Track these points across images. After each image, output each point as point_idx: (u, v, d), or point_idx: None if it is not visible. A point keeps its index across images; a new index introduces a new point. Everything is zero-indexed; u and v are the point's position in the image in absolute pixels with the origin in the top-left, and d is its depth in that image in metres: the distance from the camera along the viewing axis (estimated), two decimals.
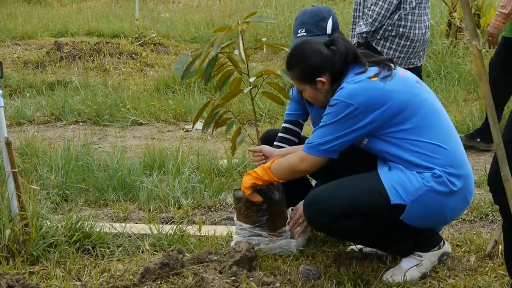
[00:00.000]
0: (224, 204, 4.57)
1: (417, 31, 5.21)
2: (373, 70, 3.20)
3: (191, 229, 3.95)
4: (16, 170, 3.52)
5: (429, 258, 3.28)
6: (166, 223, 4.21)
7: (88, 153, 5.43)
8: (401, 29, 5.19)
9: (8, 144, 3.46)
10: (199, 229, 3.93)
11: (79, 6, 16.27)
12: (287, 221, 3.62)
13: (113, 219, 4.30)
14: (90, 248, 3.69)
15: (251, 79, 3.52)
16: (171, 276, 3.20)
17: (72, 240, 3.68)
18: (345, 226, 3.22)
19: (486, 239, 3.75)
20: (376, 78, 3.16)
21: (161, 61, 10.01)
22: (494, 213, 4.17)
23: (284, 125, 3.96)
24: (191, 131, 6.72)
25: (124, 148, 5.96)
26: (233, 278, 3.09)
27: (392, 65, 3.26)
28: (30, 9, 14.95)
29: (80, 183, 4.82)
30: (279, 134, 3.93)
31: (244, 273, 3.12)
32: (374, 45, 5.25)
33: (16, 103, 7.60)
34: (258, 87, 3.71)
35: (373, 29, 5.20)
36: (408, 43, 5.22)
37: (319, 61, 3.30)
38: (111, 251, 3.71)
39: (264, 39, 3.76)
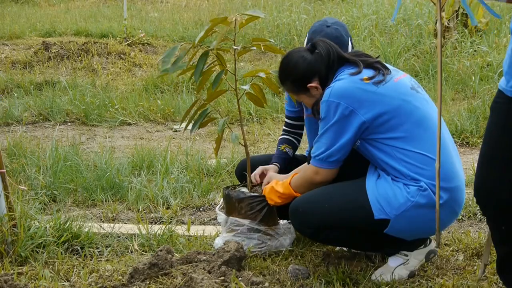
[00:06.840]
0: (213, 204, 4.56)
1: None
2: (367, 73, 3.17)
3: (180, 229, 3.95)
4: (4, 170, 3.50)
5: (415, 257, 3.29)
6: (155, 223, 4.20)
7: (76, 153, 5.42)
8: None
9: None
10: (188, 229, 3.93)
11: (67, 6, 16.22)
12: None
13: (101, 220, 4.29)
14: (79, 248, 3.68)
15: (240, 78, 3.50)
16: (160, 276, 3.19)
17: (61, 241, 3.67)
18: (329, 236, 3.25)
19: (475, 237, 3.77)
20: (369, 81, 3.13)
21: (150, 61, 9.99)
22: None
23: (286, 120, 3.98)
24: (179, 131, 6.71)
25: (112, 148, 5.95)
26: (222, 278, 3.10)
27: (387, 70, 3.22)
28: (18, 9, 14.88)
29: (69, 183, 4.81)
30: (284, 128, 3.97)
31: (233, 273, 3.13)
32: None
33: (4, 103, 7.57)
34: (245, 86, 3.69)
35: None
36: None
37: (305, 68, 3.28)
38: (100, 251, 3.70)
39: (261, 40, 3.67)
